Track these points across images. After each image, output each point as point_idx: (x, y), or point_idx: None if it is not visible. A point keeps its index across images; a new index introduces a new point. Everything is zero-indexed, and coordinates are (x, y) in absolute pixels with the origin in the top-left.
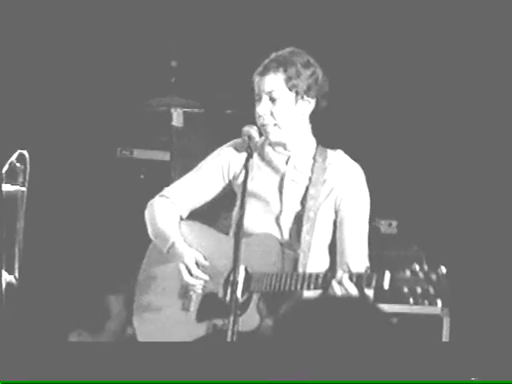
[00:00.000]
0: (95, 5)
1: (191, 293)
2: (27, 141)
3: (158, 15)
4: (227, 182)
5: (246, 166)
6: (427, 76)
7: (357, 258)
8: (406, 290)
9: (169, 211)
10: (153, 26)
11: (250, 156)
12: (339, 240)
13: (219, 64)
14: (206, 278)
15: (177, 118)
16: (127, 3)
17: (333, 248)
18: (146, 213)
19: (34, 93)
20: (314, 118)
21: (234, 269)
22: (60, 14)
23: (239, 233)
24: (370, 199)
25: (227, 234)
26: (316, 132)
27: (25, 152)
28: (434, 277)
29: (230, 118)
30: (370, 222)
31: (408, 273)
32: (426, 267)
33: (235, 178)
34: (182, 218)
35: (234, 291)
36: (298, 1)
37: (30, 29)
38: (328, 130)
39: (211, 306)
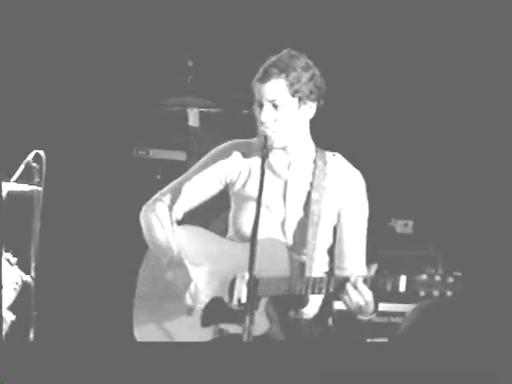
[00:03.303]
0: (113, 5)
1: (195, 305)
2: (43, 141)
3: (175, 16)
4: (224, 185)
5: (262, 167)
6: (435, 72)
7: (355, 262)
8: (422, 293)
9: (166, 218)
10: (169, 27)
11: (265, 156)
12: (338, 244)
13: (235, 64)
14: (205, 302)
15: (193, 118)
16: (144, 4)
17: (332, 251)
18: (143, 218)
19: (50, 93)
20: (313, 119)
21: (250, 273)
22: (78, 15)
23: (254, 237)
24: (386, 200)
25: (222, 236)
26: (318, 134)
27: (41, 152)
28: (450, 280)
29: (246, 117)
30: (387, 222)
31: (424, 276)
32: (442, 270)
33: (232, 182)
34: (177, 220)
35: (250, 294)
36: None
37: (48, 31)
38: (335, 132)
39: (217, 310)
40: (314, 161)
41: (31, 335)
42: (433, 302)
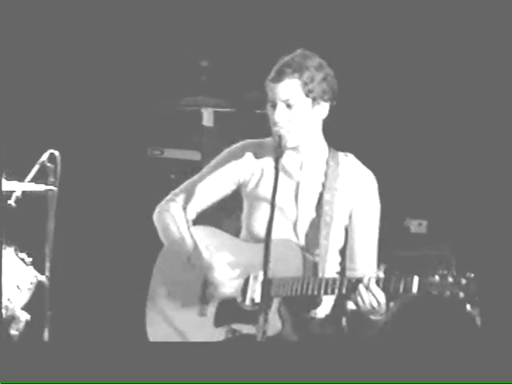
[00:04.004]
0: (128, 5)
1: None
2: (58, 141)
3: (189, 16)
4: (237, 185)
5: (276, 167)
6: (449, 72)
7: (366, 263)
8: (435, 294)
9: (181, 217)
10: (184, 27)
11: (279, 156)
12: (350, 245)
13: (249, 64)
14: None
15: (207, 118)
16: (159, 4)
17: (344, 252)
18: (157, 219)
19: (64, 93)
20: (327, 119)
21: (265, 274)
22: (92, 16)
23: (268, 238)
24: (401, 200)
25: (236, 236)
26: (331, 134)
27: (56, 152)
28: (463, 281)
29: (260, 117)
30: (401, 222)
31: (437, 277)
32: (454, 272)
33: (245, 182)
34: (193, 220)
35: (264, 294)
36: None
37: (63, 32)
38: (348, 132)
39: (229, 311)
40: (327, 161)
41: (46, 335)
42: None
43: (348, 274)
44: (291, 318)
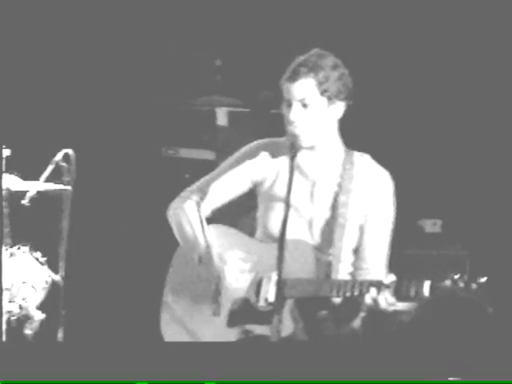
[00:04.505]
0: (143, 5)
1: (223, 301)
2: (73, 140)
3: (203, 15)
4: (252, 184)
5: (291, 167)
6: (464, 73)
7: (376, 263)
8: (441, 296)
9: (195, 214)
10: (198, 26)
11: (294, 156)
12: (361, 245)
13: (263, 63)
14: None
15: (222, 118)
16: (173, 3)
17: (357, 252)
18: (171, 215)
19: (79, 93)
20: (342, 119)
21: (279, 274)
22: (105, 14)
23: (282, 238)
24: (415, 199)
25: (251, 235)
26: (347, 134)
27: (70, 151)
28: (474, 286)
29: (274, 117)
30: (415, 221)
31: (448, 282)
32: (466, 277)
33: (260, 181)
34: (207, 218)
35: (278, 295)
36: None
37: (78, 31)
38: (364, 132)
39: (242, 311)
40: (342, 161)
41: (60, 334)
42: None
43: (358, 273)
44: (304, 319)
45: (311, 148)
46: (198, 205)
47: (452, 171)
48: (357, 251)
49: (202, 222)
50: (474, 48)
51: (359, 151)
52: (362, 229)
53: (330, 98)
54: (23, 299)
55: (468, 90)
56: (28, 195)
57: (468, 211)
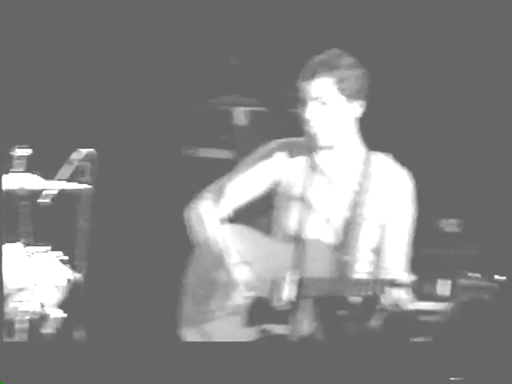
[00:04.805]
0: (162, 4)
1: (240, 297)
2: (94, 140)
3: (222, 14)
4: (271, 184)
5: (309, 166)
6: (485, 72)
7: (396, 263)
8: (464, 297)
9: (211, 216)
10: (216, 24)
11: (312, 155)
12: (381, 245)
13: (282, 62)
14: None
15: (240, 117)
16: (191, 3)
17: (376, 251)
18: (190, 217)
19: (100, 93)
20: (361, 118)
21: (297, 274)
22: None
23: (300, 237)
24: (434, 198)
25: (268, 234)
26: (366, 133)
27: (93, 150)
28: (494, 285)
29: (292, 116)
30: (434, 221)
31: (467, 281)
32: (486, 275)
33: (278, 181)
34: (225, 219)
35: (296, 294)
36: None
37: (102, 30)
38: (384, 131)
39: (260, 310)
40: (361, 161)
41: (80, 333)
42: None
43: (378, 273)
44: (322, 319)
45: (330, 147)
46: (216, 205)
47: (472, 171)
48: (376, 251)
49: (218, 222)
50: (493, 47)
51: (378, 151)
52: (381, 228)
53: (347, 97)
54: (43, 298)
55: (489, 89)
56: (49, 194)
57: (487, 211)
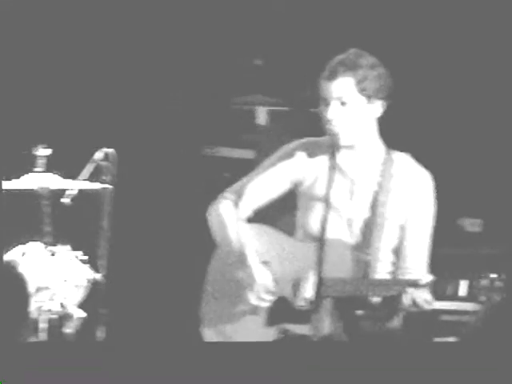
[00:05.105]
0: (182, 4)
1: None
2: (113, 139)
3: (245, 14)
4: (292, 184)
5: (330, 166)
6: (506, 71)
7: (417, 263)
8: (483, 297)
9: (231, 216)
10: (238, 25)
11: (333, 155)
12: (402, 245)
13: (303, 62)
14: (270, 301)
15: (262, 117)
16: (214, 3)
17: (397, 251)
18: (211, 217)
19: (120, 92)
20: (381, 118)
21: (319, 274)
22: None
23: (322, 237)
24: (455, 198)
25: (290, 234)
26: (386, 133)
27: (112, 150)
28: None
29: (314, 116)
30: (455, 220)
31: (485, 281)
32: (503, 276)
33: (300, 181)
34: (246, 219)
35: (317, 294)
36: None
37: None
38: (404, 131)
39: (281, 310)
40: (382, 161)
41: (100, 333)
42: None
43: (398, 273)
44: (343, 318)
45: (351, 147)
46: (237, 205)
47: (493, 170)
48: (397, 251)
49: (238, 222)
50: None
51: (399, 150)
52: (402, 228)
53: (368, 97)
54: (64, 298)
55: (503, 86)
56: (69, 194)
57: (508, 210)
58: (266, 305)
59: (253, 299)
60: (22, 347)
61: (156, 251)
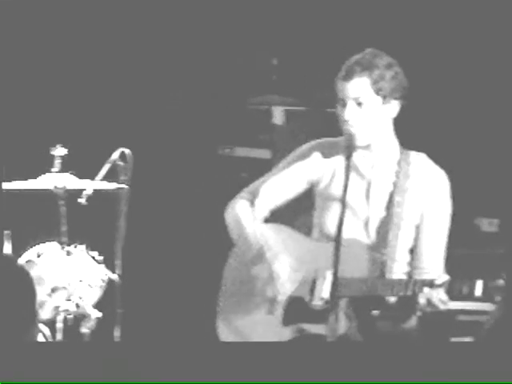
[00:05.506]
0: (196, 4)
1: (277, 296)
2: (129, 139)
3: (260, 14)
4: (309, 184)
5: (347, 166)
6: None
7: (433, 263)
8: (498, 298)
9: (248, 215)
10: (254, 25)
11: (350, 155)
12: (418, 245)
13: (320, 62)
14: (296, 284)
15: (278, 117)
16: (229, 3)
17: (413, 251)
18: (228, 216)
19: (135, 92)
20: (398, 118)
21: (335, 273)
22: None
23: (338, 237)
24: (471, 197)
25: (307, 234)
26: (402, 133)
27: (127, 150)
28: None
29: (330, 116)
30: (472, 220)
31: (501, 281)
32: None
33: (317, 181)
34: (262, 219)
35: (333, 294)
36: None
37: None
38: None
39: (297, 310)
40: (398, 161)
41: (117, 333)
42: None
43: (415, 273)
44: (359, 318)
45: (367, 147)
46: (253, 205)
47: (510, 170)
48: (413, 251)
49: (255, 222)
50: None
51: (415, 150)
52: (418, 228)
53: (384, 97)
54: (80, 298)
55: None
56: (85, 194)
57: None
58: (284, 297)
59: (272, 292)
60: (38, 347)
61: (172, 251)
